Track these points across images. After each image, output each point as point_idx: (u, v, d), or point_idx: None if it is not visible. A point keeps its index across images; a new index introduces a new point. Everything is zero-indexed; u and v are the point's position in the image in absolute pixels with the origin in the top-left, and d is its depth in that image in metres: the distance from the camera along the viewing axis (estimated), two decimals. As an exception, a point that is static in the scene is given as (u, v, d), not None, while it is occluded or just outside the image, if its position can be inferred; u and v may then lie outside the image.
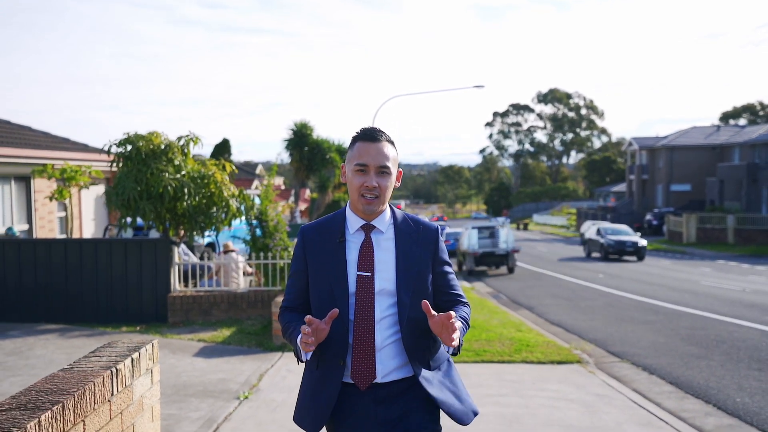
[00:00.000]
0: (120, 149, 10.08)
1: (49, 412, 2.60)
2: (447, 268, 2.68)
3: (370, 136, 2.55)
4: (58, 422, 2.66)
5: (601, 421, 5.99)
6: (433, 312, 2.39)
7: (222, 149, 35.43)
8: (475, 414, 2.61)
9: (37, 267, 10.20)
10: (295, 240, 10.31)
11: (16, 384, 6.26)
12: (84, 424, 2.91)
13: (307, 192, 41.93)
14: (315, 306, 2.58)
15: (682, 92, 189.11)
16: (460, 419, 2.53)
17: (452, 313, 2.36)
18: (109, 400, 3.18)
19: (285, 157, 31.76)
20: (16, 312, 10.04)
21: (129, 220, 10.19)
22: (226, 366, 7.58)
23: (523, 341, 9.80)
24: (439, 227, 2.72)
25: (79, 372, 3.16)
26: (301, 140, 30.94)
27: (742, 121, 79.36)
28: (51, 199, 11.27)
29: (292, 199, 38.27)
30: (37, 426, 2.49)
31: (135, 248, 10.29)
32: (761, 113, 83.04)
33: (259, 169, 69.90)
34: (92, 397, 2.99)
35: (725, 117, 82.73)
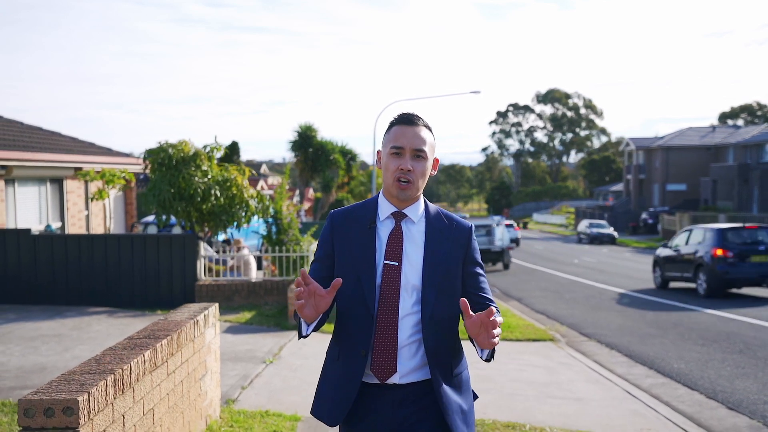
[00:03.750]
0: (153, 156, 11.54)
1: (165, 340, 4.07)
2: (478, 270, 2.57)
3: (407, 119, 2.50)
4: (170, 347, 4.13)
5: (557, 379, 7.45)
6: (471, 312, 2.27)
7: (231, 151, 36.91)
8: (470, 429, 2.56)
9: (81, 259, 11.65)
10: (305, 235, 11.85)
11: (85, 350, 7.72)
12: (181, 353, 4.38)
13: (311, 191, 43.33)
14: (341, 294, 2.47)
15: (686, 91, 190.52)
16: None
17: (493, 308, 2.25)
18: (192, 340, 4.65)
19: (288, 158, 33.23)
20: (64, 297, 11.51)
21: (164, 217, 11.65)
22: (251, 340, 9.03)
23: (505, 324, 11.23)
24: (473, 226, 2.63)
25: (173, 321, 4.63)
26: (305, 141, 32.30)
27: (740, 122, 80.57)
28: (92, 199, 12.74)
29: (297, 198, 39.72)
30: (161, 346, 3.96)
31: (166, 243, 11.74)
32: (759, 113, 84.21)
33: (263, 169, 71.05)
34: (185, 335, 4.46)
35: (723, 117, 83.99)
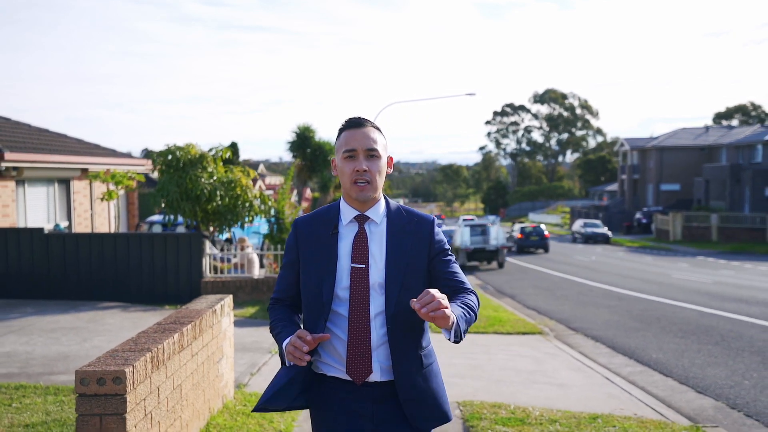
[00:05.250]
0: (161, 159, 12.08)
1: (190, 325, 4.62)
2: (447, 257, 2.57)
3: (354, 123, 2.54)
4: (194, 331, 4.69)
5: (543, 367, 8.02)
6: (414, 301, 2.21)
7: (231, 152, 37.42)
8: (443, 422, 2.57)
9: (92, 256, 12.19)
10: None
11: (103, 341, 8.27)
12: (202, 337, 4.93)
13: (308, 191, 43.80)
14: (305, 298, 2.54)
15: (684, 91, 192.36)
16: (421, 426, 2.53)
17: (430, 290, 2.20)
18: (211, 327, 5.20)
19: (285, 158, 33.82)
20: (76, 292, 12.05)
21: (171, 217, 12.20)
22: (255, 333, 9.58)
23: (497, 318, 11.81)
24: (435, 218, 2.66)
25: (194, 309, 5.18)
26: (304, 142, 32.73)
27: (735, 122, 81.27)
28: (102, 199, 13.29)
29: (295, 198, 40.21)
30: (186, 330, 4.51)
31: (173, 242, 12.27)
32: (753, 113, 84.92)
33: (260, 168, 71.43)
34: (206, 322, 5.01)
35: (718, 117, 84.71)
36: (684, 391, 7.20)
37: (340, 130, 2.56)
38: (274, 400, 2.52)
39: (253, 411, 2.65)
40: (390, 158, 2.62)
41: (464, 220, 38.97)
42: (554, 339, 10.47)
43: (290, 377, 2.50)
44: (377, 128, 2.57)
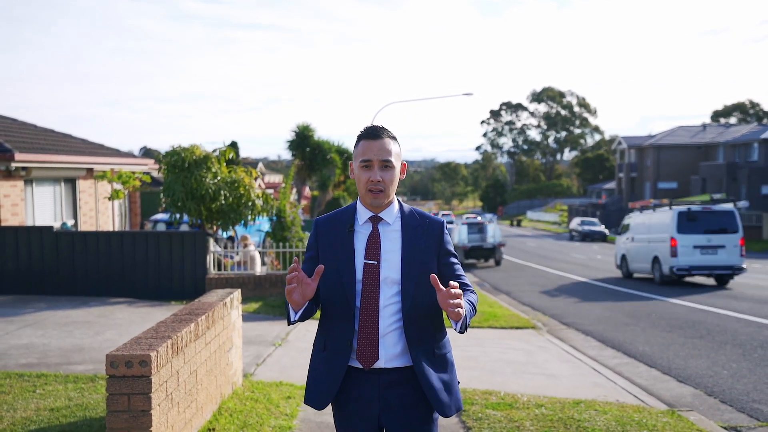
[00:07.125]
0: (167, 159, 12.48)
1: (204, 316, 5.02)
2: (452, 259, 2.83)
3: (372, 134, 2.73)
4: (208, 321, 5.09)
5: (534, 359, 8.43)
6: (441, 286, 2.52)
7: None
8: (458, 410, 2.80)
9: (99, 254, 12.58)
10: (308, 233, 12.93)
11: (114, 334, 8.66)
12: (215, 328, 5.33)
13: (307, 190, 44.16)
14: (324, 290, 2.75)
15: (683, 89, 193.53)
16: (443, 411, 2.72)
17: (455, 283, 2.50)
18: (222, 318, 5.60)
19: (284, 156, 34.17)
20: (84, 289, 12.45)
21: (177, 216, 12.61)
22: (259, 327, 9.98)
23: (492, 314, 12.20)
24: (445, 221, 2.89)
25: (206, 302, 5.58)
26: (303, 141, 33.10)
27: (733, 120, 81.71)
28: (110, 199, 13.69)
29: (294, 196, 40.54)
30: (201, 320, 4.91)
31: (178, 239, 12.67)
32: (751, 111, 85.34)
33: (259, 167, 71.73)
34: (217, 313, 5.42)
35: (716, 115, 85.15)
36: (666, 380, 7.61)
37: (359, 138, 2.76)
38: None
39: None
40: (404, 165, 2.85)
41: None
42: (546, 333, 10.87)
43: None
44: (393, 138, 2.77)
